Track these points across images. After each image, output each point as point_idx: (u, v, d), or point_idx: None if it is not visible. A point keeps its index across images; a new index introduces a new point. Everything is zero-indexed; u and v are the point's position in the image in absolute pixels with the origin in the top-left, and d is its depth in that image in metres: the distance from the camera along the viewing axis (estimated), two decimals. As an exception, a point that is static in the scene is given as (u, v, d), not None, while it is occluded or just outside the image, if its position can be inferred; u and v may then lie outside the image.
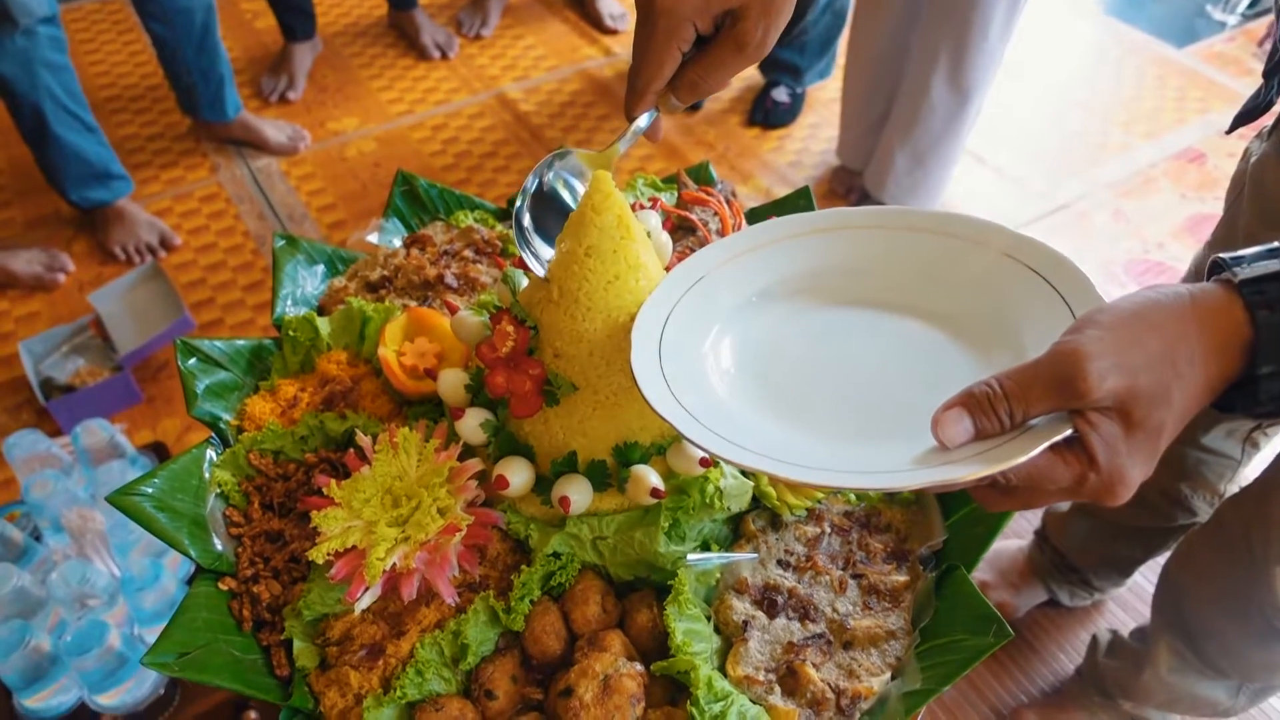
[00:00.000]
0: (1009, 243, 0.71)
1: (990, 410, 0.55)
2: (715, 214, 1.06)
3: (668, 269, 0.82)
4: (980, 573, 1.75)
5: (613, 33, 3.36)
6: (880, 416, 0.65)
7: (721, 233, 1.03)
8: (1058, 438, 0.54)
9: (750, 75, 3.11)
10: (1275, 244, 0.58)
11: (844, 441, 0.64)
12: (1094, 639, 1.55)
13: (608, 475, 0.79)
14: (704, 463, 0.77)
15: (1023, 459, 0.53)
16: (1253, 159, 1.04)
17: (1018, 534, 1.85)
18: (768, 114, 2.91)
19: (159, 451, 1.89)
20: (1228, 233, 1.13)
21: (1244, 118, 1.01)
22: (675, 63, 0.71)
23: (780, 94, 2.92)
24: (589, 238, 0.74)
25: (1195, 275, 1.22)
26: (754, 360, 0.72)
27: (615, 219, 0.74)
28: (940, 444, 0.56)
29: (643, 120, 0.74)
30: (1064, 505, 1.62)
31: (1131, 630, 1.50)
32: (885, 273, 0.75)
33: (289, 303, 1.05)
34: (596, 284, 0.74)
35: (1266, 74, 0.96)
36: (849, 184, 2.62)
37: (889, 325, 0.73)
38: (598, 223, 0.73)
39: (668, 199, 1.10)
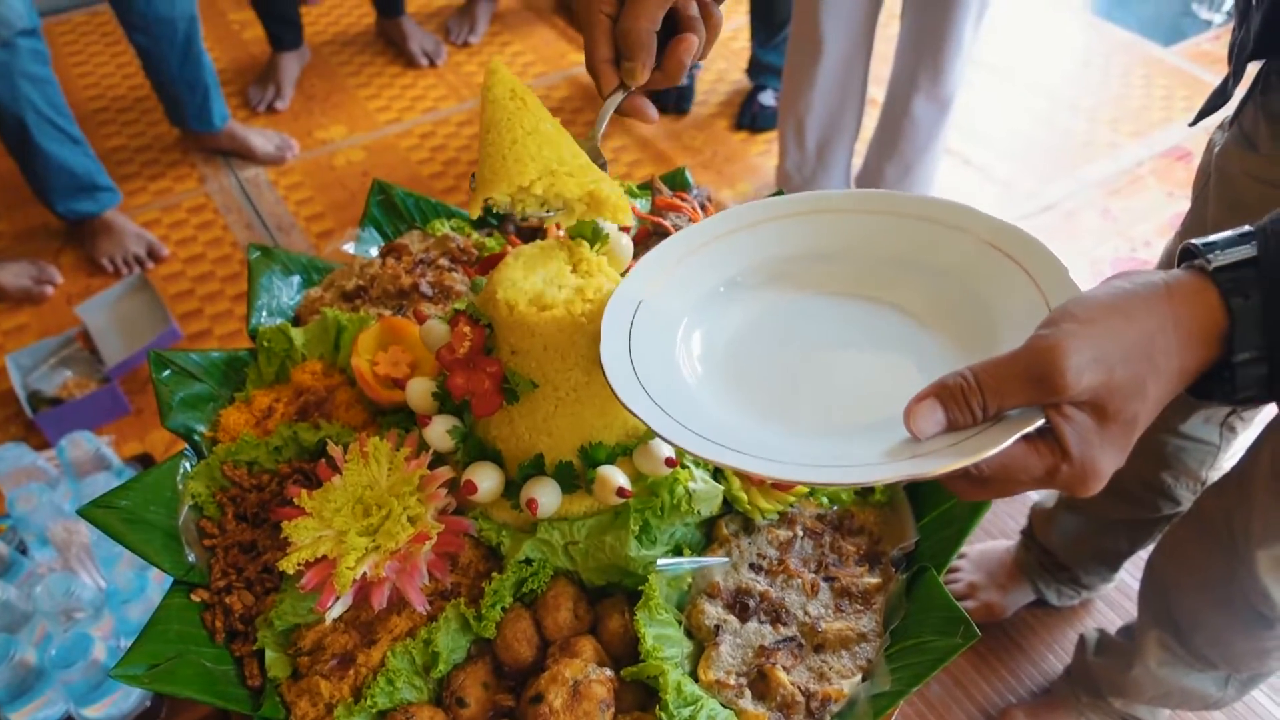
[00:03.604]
0: (986, 229, 0.70)
1: (963, 402, 0.55)
2: (690, 220, 1.06)
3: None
4: (968, 574, 1.75)
5: None
6: (853, 410, 0.65)
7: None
8: (1030, 428, 0.54)
9: (738, 79, 3.12)
10: (1246, 228, 0.57)
11: (816, 436, 0.63)
12: (1081, 638, 1.56)
13: (575, 477, 0.80)
14: (670, 462, 0.78)
15: (995, 451, 0.53)
16: (1216, 149, 1.05)
17: (1005, 534, 1.86)
18: (755, 118, 2.91)
19: (146, 463, 1.89)
20: (1196, 223, 1.14)
21: (1206, 111, 1.02)
22: (605, 28, 0.73)
23: (767, 98, 2.92)
24: (485, 115, 0.74)
25: (1167, 265, 1.23)
26: (725, 352, 0.71)
27: (508, 90, 0.74)
28: (912, 435, 0.56)
29: (613, 100, 0.76)
30: (1049, 501, 1.62)
31: (1119, 628, 1.50)
32: (861, 259, 0.74)
33: (265, 313, 1.05)
34: (498, 154, 0.73)
35: (1235, 71, 0.97)
36: None
37: (863, 314, 0.72)
38: (490, 97, 0.74)
39: (642, 205, 1.11)
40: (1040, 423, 0.54)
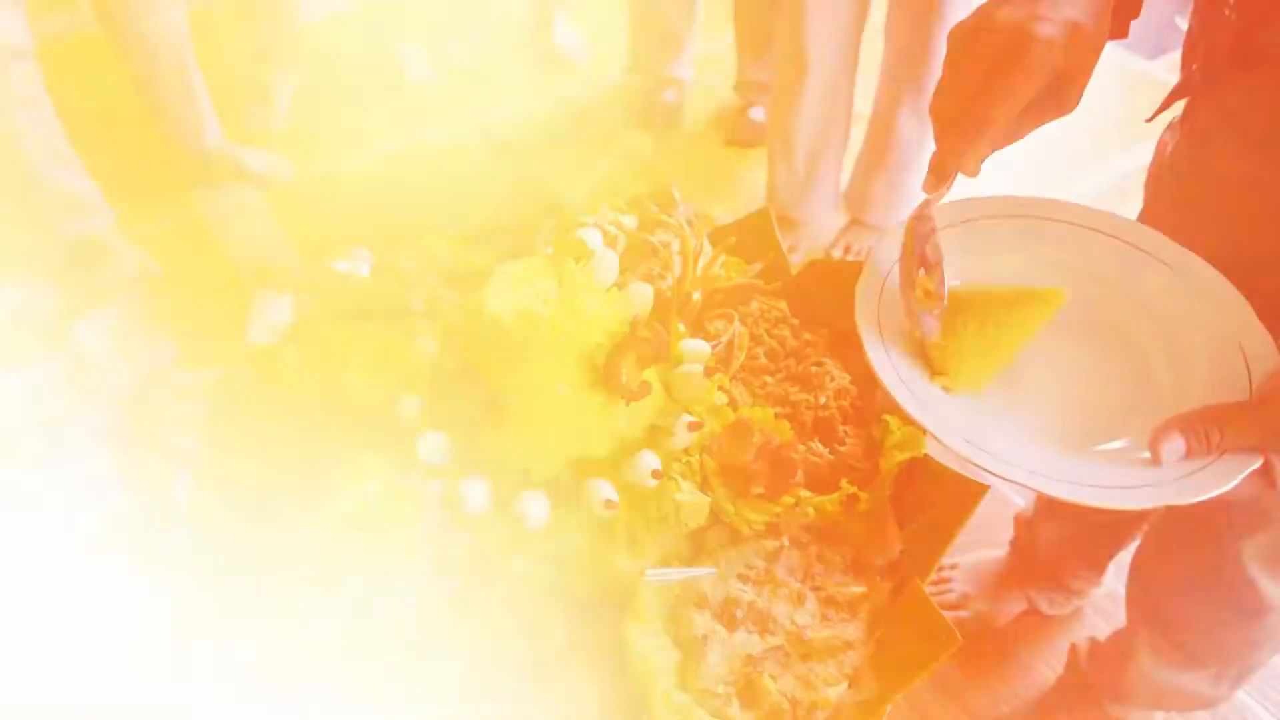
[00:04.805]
0: (1200, 274, 0.79)
1: (1204, 436, 0.65)
2: (675, 236, 1.08)
3: (619, 286, 0.83)
4: (960, 585, 1.76)
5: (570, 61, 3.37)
6: (1072, 420, 0.73)
7: (682, 255, 1.04)
8: (1255, 465, 0.65)
9: (726, 96, 3.15)
10: None
11: (1047, 446, 0.71)
12: (1073, 646, 1.57)
13: (564, 489, 0.81)
14: (656, 474, 0.79)
15: (1234, 482, 0.64)
16: (1168, 150, 1.07)
17: (995, 544, 1.87)
18: (744, 133, 2.94)
19: (140, 482, 1.90)
20: (1150, 225, 1.15)
21: (1166, 105, 1.04)
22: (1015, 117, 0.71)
23: (756, 113, 2.95)
24: None
25: None
26: None
27: None
28: (1154, 459, 0.66)
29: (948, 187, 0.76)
30: (1030, 511, 1.64)
31: (1109, 635, 1.51)
32: (1077, 273, 0.81)
33: (258, 333, 1.06)
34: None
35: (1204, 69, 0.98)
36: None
37: (1074, 324, 0.78)
38: None
39: (628, 222, 1.12)
40: (1260, 461, 0.65)
